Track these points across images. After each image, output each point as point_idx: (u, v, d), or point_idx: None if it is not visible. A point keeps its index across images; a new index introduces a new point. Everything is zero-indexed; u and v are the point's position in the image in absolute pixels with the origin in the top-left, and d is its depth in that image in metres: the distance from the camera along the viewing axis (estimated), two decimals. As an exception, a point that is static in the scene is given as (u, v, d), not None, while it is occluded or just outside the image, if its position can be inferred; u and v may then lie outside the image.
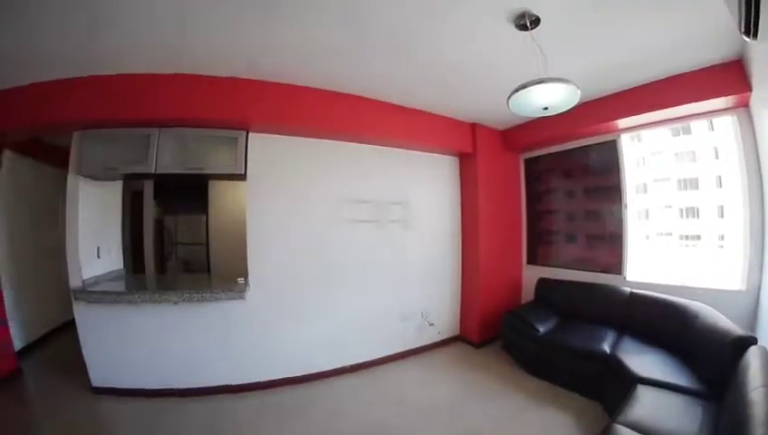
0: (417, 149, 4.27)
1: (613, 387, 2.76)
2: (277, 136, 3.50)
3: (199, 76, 3.03)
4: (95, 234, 3.46)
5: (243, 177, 3.35)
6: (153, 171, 3.12)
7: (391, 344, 4.08)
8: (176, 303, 3.12)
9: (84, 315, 3.18)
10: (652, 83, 3.24)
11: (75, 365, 3.58)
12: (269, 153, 3.45)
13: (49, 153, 4.76)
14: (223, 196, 5.66)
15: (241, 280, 3.34)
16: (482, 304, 4.39)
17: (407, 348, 4.18)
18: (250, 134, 3.35)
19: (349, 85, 3.38)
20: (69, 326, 4.99)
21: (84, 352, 3.22)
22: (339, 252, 3.78)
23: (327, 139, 3.71)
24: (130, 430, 2.81)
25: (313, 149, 3.66)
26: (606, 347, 3.10)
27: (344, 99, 3.51)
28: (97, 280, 3.40)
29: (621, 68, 3.01)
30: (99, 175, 3.29)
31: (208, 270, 5.56)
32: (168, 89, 2.98)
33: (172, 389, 3.25)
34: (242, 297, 3.19)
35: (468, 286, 4.59)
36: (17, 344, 3.91)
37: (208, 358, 3.31)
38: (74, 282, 3.19)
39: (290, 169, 3.55)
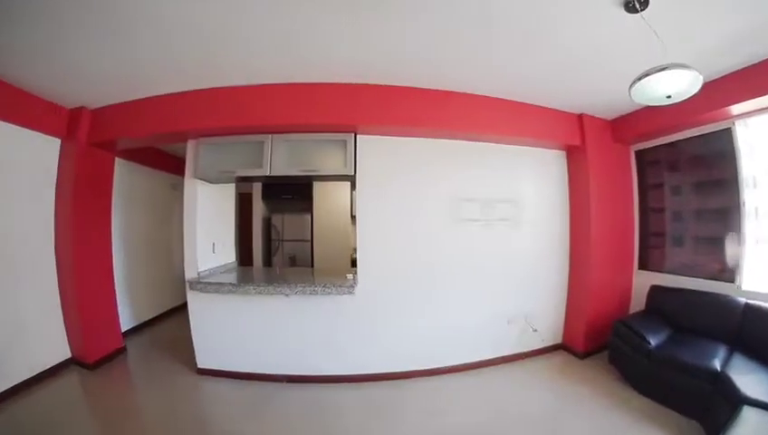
0: (522, 144, 4.03)
1: (718, 408, 2.42)
2: (383, 137, 3.59)
3: (310, 85, 3.26)
4: (211, 231, 3.89)
5: (352, 177, 3.51)
6: (268, 174, 3.42)
7: (491, 348, 3.93)
8: (288, 295, 3.38)
9: (198, 303, 3.61)
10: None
11: (179, 347, 4.23)
12: (376, 154, 3.57)
13: (160, 160, 5.70)
14: (326, 196, 6.06)
15: (350, 275, 3.50)
16: (589, 312, 4.00)
17: (507, 353, 3.99)
18: (358, 136, 3.49)
19: (454, 82, 3.34)
20: (171, 312, 6.00)
21: (194, 335, 3.66)
22: (443, 250, 3.74)
23: (433, 137, 3.70)
24: (235, 410, 3.08)
25: (420, 148, 3.68)
26: (716, 364, 2.69)
27: (450, 96, 3.48)
28: (212, 272, 3.81)
29: (741, 41, 2.51)
30: (213, 178, 3.68)
31: (312, 265, 5.97)
32: (280, 98, 3.28)
33: (276, 375, 3.52)
34: (351, 292, 3.31)
35: (575, 291, 4.22)
36: (125, 326, 4.62)
37: (313, 348, 3.53)
38: (190, 273, 3.61)
39: (396, 168, 3.63)
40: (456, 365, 3.76)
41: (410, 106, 3.38)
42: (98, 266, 4.05)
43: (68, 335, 3.84)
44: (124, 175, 4.77)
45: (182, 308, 6.17)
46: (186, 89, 3.39)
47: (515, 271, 4.03)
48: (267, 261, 6.39)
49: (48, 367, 3.59)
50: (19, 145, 3.36)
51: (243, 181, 4.26)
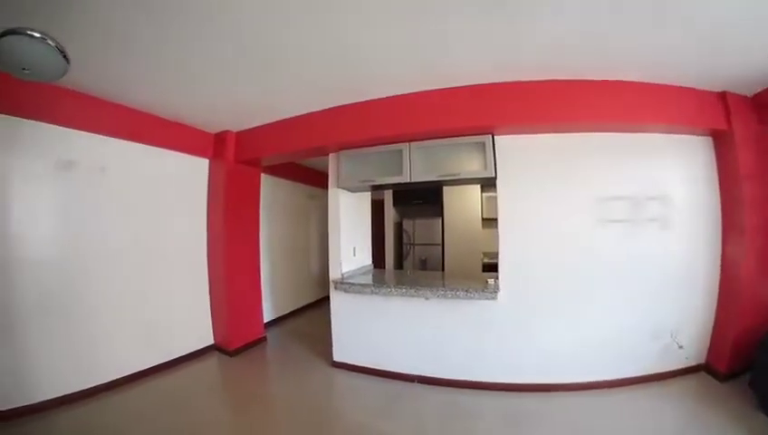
0: (659, 131, 3.44)
1: None
2: (522, 136, 3.42)
3: (444, 90, 3.30)
4: (351, 236, 4.19)
5: (491, 180, 3.43)
6: (408, 180, 3.54)
7: (632, 365, 3.42)
8: (428, 299, 3.45)
9: (339, 301, 3.92)
10: None
11: (314, 340, 4.76)
12: (516, 153, 3.41)
13: (299, 173, 6.49)
14: (456, 200, 6.11)
15: (491, 281, 3.41)
16: (741, 326, 3.25)
17: (647, 372, 3.43)
18: (496, 136, 3.39)
19: (590, 70, 3.01)
20: (306, 308, 6.65)
21: (333, 330, 3.97)
22: (588, 255, 3.39)
23: (573, 131, 3.39)
24: (368, 404, 3.22)
25: (561, 145, 3.40)
26: None
27: (587, 86, 3.14)
28: (352, 273, 4.11)
29: None
30: (353, 187, 3.96)
31: (442, 268, 6.03)
32: (416, 106, 3.37)
33: (408, 374, 3.60)
34: (493, 298, 3.25)
35: (726, 303, 3.41)
36: (266, 318, 5.29)
37: (449, 352, 3.51)
38: (334, 274, 3.95)
39: (537, 167, 3.41)
40: (597, 381, 3.35)
41: (548, 101, 3.15)
42: (247, 266, 4.81)
43: (213, 325, 4.67)
44: (268, 187, 5.49)
45: (316, 305, 6.92)
46: (323, 107, 3.74)
47: (663, 279, 3.45)
48: (398, 264, 6.64)
49: (193, 350, 4.40)
50: (174, 166, 4.24)
51: (377, 189, 4.48)
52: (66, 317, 3.25)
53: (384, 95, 3.45)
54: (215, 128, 4.46)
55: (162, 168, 4.10)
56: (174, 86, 3.19)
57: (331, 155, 4.05)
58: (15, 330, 2.94)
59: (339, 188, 3.96)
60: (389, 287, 3.52)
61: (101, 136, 3.48)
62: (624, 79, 3.15)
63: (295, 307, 6.45)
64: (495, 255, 3.48)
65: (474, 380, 3.43)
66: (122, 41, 2.37)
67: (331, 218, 4.04)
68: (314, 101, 3.62)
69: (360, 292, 3.65)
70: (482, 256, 5.89)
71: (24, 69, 2.03)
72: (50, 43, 1.94)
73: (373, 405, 3.20)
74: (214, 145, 4.61)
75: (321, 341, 4.47)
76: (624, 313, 3.41)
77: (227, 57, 2.65)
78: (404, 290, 3.44)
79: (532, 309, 3.38)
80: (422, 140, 3.52)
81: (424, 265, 6.35)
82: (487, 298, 3.25)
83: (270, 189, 5.60)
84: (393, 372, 3.67)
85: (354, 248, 4.23)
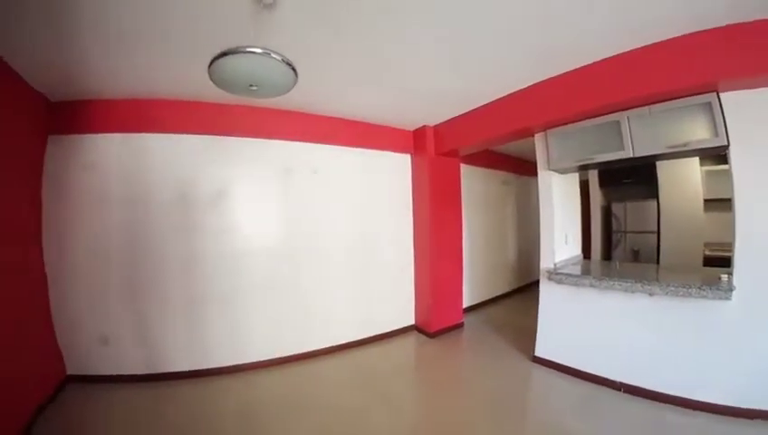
0: None
1: None
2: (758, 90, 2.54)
3: (656, 45, 2.64)
4: (562, 222, 3.80)
5: (722, 149, 2.67)
6: (631, 156, 3.02)
7: None
8: (651, 295, 2.92)
9: (550, 293, 3.62)
10: None
11: (510, 331, 4.67)
12: (757, 113, 2.55)
13: (492, 160, 6.35)
14: (673, 178, 5.03)
15: (725, 277, 2.70)
16: None
17: None
18: (721, 94, 2.59)
19: None
20: (501, 298, 6.46)
21: (539, 323, 3.71)
22: None
23: None
24: (567, 407, 2.97)
25: None
26: None
27: None
28: (564, 264, 3.74)
29: None
30: (565, 168, 3.58)
31: (657, 261, 5.06)
32: (633, 67, 2.77)
33: (612, 380, 3.15)
34: (726, 298, 2.56)
35: None
36: (464, 304, 5.40)
37: (667, 359, 2.91)
38: (547, 264, 3.65)
39: None
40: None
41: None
42: (450, 253, 4.95)
43: (415, 307, 5.03)
44: (464, 176, 5.45)
45: (510, 295, 6.68)
46: (527, 84, 3.41)
47: None
48: (606, 254, 5.83)
49: (395, 328, 4.85)
50: (379, 164, 4.78)
51: (584, 169, 3.92)
52: (285, 294, 4.05)
53: (595, 59, 2.92)
54: (413, 125, 4.80)
55: (368, 166, 4.66)
56: (372, 93, 3.55)
57: (536, 136, 3.74)
58: (244, 303, 3.85)
59: (550, 170, 3.63)
60: (611, 280, 3.08)
61: (312, 144, 4.24)
62: None
63: (491, 296, 6.34)
64: (721, 246, 2.63)
65: (688, 397, 2.77)
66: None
67: (543, 203, 3.76)
68: (521, 76, 3.29)
69: (575, 283, 3.31)
70: (704, 247, 4.67)
71: (251, 86, 2.15)
72: (275, 57, 1.90)
73: (571, 409, 2.93)
74: (414, 141, 4.99)
75: (520, 333, 4.39)
76: None
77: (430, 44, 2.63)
78: (628, 284, 2.97)
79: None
80: (638, 107, 2.92)
81: (636, 256, 5.43)
82: (720, 298, 2.56)
83: (465, 177, 5.58)
84: (597, 376, 3.26)
85: (566, 236, 3.83)
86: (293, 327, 4.08)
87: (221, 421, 2.85)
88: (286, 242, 4.06)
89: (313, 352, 4.15)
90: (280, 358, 3.97)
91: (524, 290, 6.96)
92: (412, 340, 4.66)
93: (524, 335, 4.05)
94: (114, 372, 3.44)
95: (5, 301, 2.63)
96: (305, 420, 2.85)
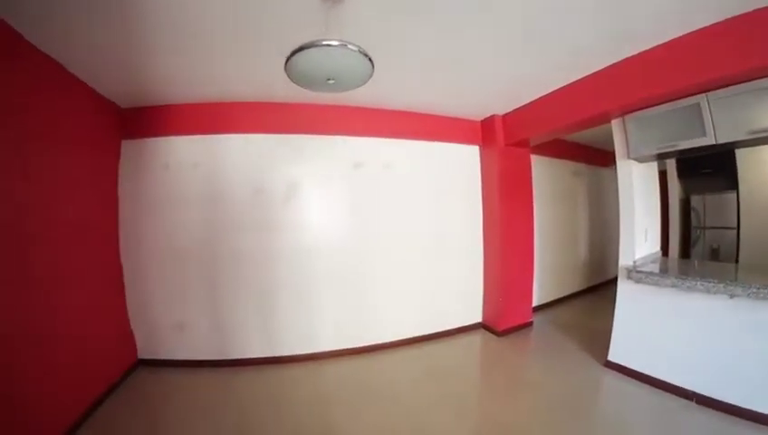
0: None
1: None
2: None
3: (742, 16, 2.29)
4: (641, 217, 3.52)
5: None
6: (714, 142, 2.73)
7: None
8: (732, 296, 2.63)
9: (628, 293, 3.37)
10: None
11: (580, 333, 4.41)
12: None
13: (562, 149, 5.94)
14: (756, 166, 4.49)
15: None
16: None
17: None
18: None
19: None
20: (570, 297, 6.11)
21: (615, 326, 3.46)
22: None
23: None
24: (638, 415, 2.77)
25: None
26: None
27: None
28: (643, 261, 3.46)
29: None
30: (646, 157, 3.32)
31: (736, 260, 4.58)
32: (711, 43, 2.45)
33: (684, 389, 2.90)
34: None
35: None
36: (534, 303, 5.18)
37: (739, 368, 2.64)
38: (626, 261, 3.41)
39: None
40: None
41: None
42: (521, 249, 4.73)
43: (484, 304, 4.89)
44: (533, 167, 5.15)
45: (580, 294, 6.35)
46: (599, 67, 3.16)
47: None
48: (684, 252, 5.36)
49: (463, 325, 4.76)
50: (447, 156, 4.70)
51: (663, 158, 3.61)
52: (354, 287, 4.14)
53: (673, 35, 2.62)
54: (481, 114, 4.65)
55: (436, 158, 4.59)
56: (444, 80, 3.44)
57: (613, 122, 3.49)
58: (315, 295, 4.00)
59: (630, 159, 3.37)
60: (693, 280, 2.82)
61: (380, 138, 4.28)
62: None
63: (560, 295, 6.01)
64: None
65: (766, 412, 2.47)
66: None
67: (623, 195, 3.50)
68: (595, 56, 3.02)
69: (655, 283, 3.06)
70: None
71: (328, 80, 2.16)
72: (352, 48, 1.87)
73: (640, 419, 2.74)
74: (482, 131, 4.83)
75: (592, 335, 4.17)
76: None
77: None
78: (710, 284, 2.70)
79: None
80: (716, 89, 2.61)
81: (715, 254, 4.93)
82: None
83: (533, 168, 5.29)
84: (668, 383, 3.02)
85: (646, 231, 3.55)
86: (361, 320, 4.16)
87: (291, 407, 2.99)
88: (355, 236, 4.15)
89: (380, 344, 4.20)
90: (348, 349, 4.07)
91: (596, 290, 6.58)
92: (479, 338, 4.57)
93: (597, 338, 3.84)
94: (186, 357, 3.71)
95: (79, 292, 2.91)
96: (371, 411, 2.91)
